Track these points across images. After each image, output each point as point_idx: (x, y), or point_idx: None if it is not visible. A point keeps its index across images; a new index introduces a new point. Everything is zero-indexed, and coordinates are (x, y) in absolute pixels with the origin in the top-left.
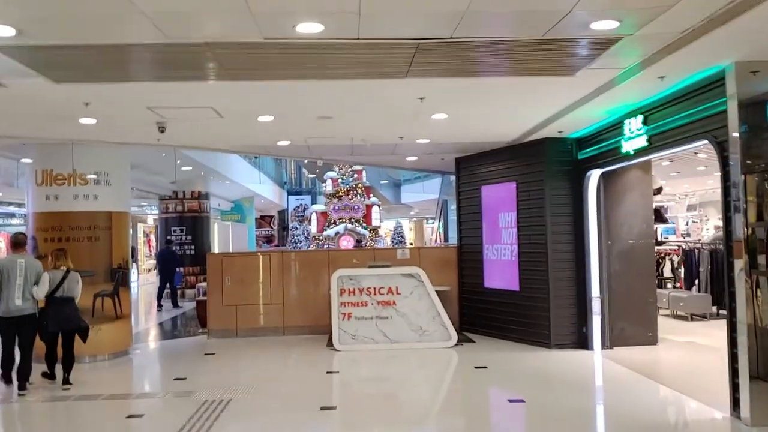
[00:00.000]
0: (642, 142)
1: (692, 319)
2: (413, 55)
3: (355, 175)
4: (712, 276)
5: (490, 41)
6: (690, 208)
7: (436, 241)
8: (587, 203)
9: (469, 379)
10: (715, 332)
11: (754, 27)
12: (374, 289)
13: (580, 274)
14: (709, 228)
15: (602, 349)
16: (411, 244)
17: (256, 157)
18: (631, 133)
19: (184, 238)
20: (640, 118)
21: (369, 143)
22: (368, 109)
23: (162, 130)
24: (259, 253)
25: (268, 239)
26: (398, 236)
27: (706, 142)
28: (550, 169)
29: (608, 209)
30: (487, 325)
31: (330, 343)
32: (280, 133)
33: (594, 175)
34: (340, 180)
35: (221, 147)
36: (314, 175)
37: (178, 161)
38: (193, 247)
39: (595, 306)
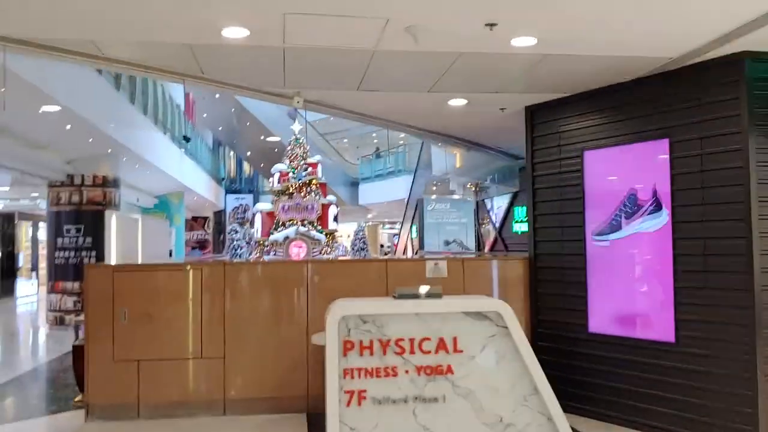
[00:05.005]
0: None
1: None
2: None
3: (309, 169)
4: None
5: None
6: None
7: (405, 250)
8: None
9: None
10: None
11: None
12: (411, 342)
13: None
14: None
15: None
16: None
17: (187, 140)
18: None
19: (80, 240)
20: None
21: (420, 36)
22: None
23: None
24: (183, 266)
25: (201, 245)
26: (360, 242)
27: None
28: (756, 113)
29: None
30: (594, 401)
31: None
32: None
33: None
34: (291, 174)
35: (100, 46)
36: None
37: (68, 126)
38: (94, 253)
39: None
